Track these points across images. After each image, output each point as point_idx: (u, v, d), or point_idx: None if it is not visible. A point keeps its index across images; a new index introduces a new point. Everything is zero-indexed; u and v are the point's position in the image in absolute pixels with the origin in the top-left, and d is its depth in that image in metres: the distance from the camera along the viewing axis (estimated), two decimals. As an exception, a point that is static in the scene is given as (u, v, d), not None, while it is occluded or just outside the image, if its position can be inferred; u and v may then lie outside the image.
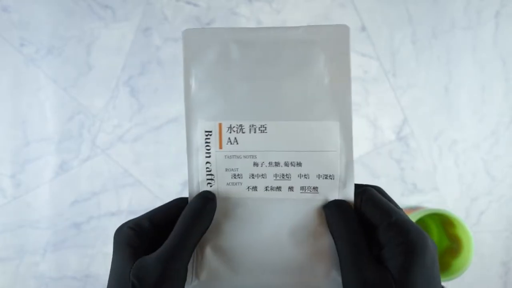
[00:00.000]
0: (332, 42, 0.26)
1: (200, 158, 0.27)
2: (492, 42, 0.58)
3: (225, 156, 0.27)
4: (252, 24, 0.59)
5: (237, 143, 0.27)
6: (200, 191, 0.26)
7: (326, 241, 0.26)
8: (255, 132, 0.27)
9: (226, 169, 0.27)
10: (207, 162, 0.27)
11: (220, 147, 0.27)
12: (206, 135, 0.27)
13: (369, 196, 0.24)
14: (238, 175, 0.27)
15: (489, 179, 0.57)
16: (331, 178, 0.26)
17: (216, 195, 0.26)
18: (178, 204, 0.26)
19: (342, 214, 0.24)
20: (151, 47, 0.60)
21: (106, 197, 0.59)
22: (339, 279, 0.25)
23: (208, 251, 0.26)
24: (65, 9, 0.61)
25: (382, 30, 0.58)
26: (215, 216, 0.26)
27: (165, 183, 0.59)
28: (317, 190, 0.26)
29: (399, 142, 0.58)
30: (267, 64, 0.26)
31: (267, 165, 0.27)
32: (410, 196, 0.58)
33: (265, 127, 0.26)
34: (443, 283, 0.56)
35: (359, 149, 0.58)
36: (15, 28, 0.61)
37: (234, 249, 0.26)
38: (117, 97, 0.60)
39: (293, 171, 0.26)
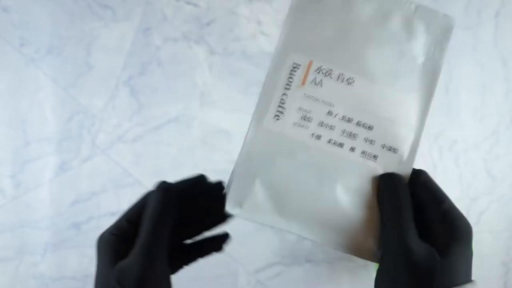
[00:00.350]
0: (437, 28, 0.27)
1: (278, 88, 0.27)
2: (492, 42, 0.58)
3: (304, 94, 0.26)
4: (253, 24, 0.59)
5: (321, 86, 0.26)
6: (158, 182, 0.26)
7: (370, 209, 0.26)
8: (342, 82, 0.26)
9: (299, 108, 0.26)
10: (284, 94, 0.26)
11: (303, 84, 0.26)
12: (293, 68, 0.27)
13: (426, 178, 0.25)
14: (308, 118, 0.27)
15: (489, 179, 0.57)
16: (394, 152, 0.26)
17: (280, 131, 0.26)
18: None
19: (398, 187, 0.25)
20: (151, 47, 0.60)
21: (106, 197, 0.59)
22: (373, 248, 0.26)
23: (257, 184, 0.27)
24: (65, 9, 0.61)
25: (382, 30, 0.59)
26: (271, 151, 0.26)
27: (165, 183, 0.59)
28: (376, 159, 0.26)
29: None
30: (374, 25, 0.27)
31: (340, 118, 0.26)
32: (410, 196, 0.58)
33: (353, 80, 0.26)
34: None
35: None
36: (15, 28, 0.61)
37: (283, 190, 0.27)
38: (117, 97, 0.60)
39: (361, 132, 0.26)
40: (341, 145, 0.26)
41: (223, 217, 0.29)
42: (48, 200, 0.59)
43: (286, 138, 0.26)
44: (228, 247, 0.61)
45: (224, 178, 0.62)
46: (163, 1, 0.60)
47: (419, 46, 0.27)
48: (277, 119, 0.27)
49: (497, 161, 0.57)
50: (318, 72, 0.26)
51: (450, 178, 0.57)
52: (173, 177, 0.63)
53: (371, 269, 0.57)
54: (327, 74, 0.26)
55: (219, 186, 0.28)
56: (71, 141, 0.60)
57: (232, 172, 0.27)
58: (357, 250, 0.26)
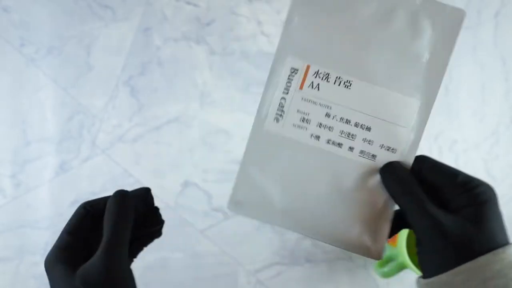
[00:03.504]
0: (445, 22, 0.26)
1: (277, 92, 0.28)
2: (492, 42, 0.58)
3: (302, 98, 0.27)
4: (253, 25, 0.59)
5: (318, 90, 0.27)
6: (115, 191, 0.27)
7: (367, 206, 0.27)
8: (339, 85, 0.27)
9: (298, 111, 0.27)
10: (282, 98, 0.28)
11: (301, 88, 0.27)
12: (291, 72, 0.27)
13: (431, 161, 0.26)
14: (307, 120, 0.28)
15: (489, 179, 0.57)
16: (392, 151, 0.27)
17: (280, 132, 0.28)
18: (83, 211, 0.28)
19: (401, 170, 0.26)
20: (151, 47, 0.60)
21: (106, 197, 0.59)
22: (368, 244, 0.27)
23: (258, 183, 0.29)
24: (65, 9, 0.61)
25: (382, 30, 0.59)
26: (272, 151, 0.28)
27: (165, 183, 0.59)
28: (374, 159, 0.27)
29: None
30: (374, 24, 0.26)
31: (338, 119, 0.27)
32: (410, 196, 0.58)
33: (350, 84, 0.27)
34: None
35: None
36: (15, 28, 0.61)
37: (283, 189, 0.28)
38: (117, 97, 0.60)
39: (359, 133, 0.27)
40: (340, 145, 0.27)
41: (160, 221, 0.32)
42: (48, 200, 0.59)
43: (286, 138, 0.28)
44: (228, 247, 0.61)
45: (224, 177, 0.62)
46: (163, 1, 0.60)
47: (424, 43, 0.26)
48: (277, 121, 0.28)
49: (497, 161, 0.57)
50: (316, 76, 0.27)
51: (450, 178, 0.57)
52: (173, 177, 0.63)
53: (371, 269, 0.57)
54: (324, 78, 0.27)
55: (151, 198, 0.31)
56: (71, 141, 0.60)
57: (238, 172, 0.29)
58: (353, 246, 0.27)
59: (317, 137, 0.28)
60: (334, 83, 0.27)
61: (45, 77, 0.60)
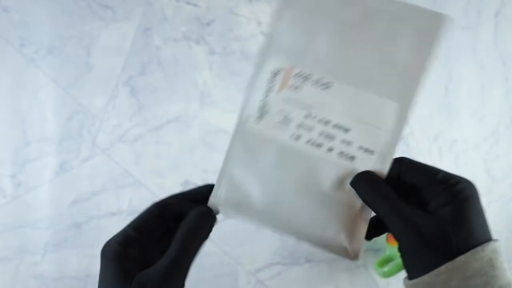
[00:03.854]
0: (424, 26, 0.26)
1: (258, 93, 0.28)
2: (492, 42, 0.58)
3: (283, 98, 0.28)
4: (252, 25, 0.59)
5: (299, 91, 0.28)
6: (199, 207, 0.26)
7: (344, 207, 0.27)
8: (319, 86, 0.27)
9: (278, 111, 0.28)
10: (265, 97, 0.28)
11: (283, 88, 0.28)
12: (274, 74, 0.28)
13: (409, 162, 0.26)
14: (287, 119, 0.28)
15: (489, 179, 0.57)
16: (370, 153, 0.27)
17: (261, 132, 0.28)
18: (157, 211, 0.26)
19: (374, 178, 0.25)
20: (151, 47, 0.60)
21: (106, 197, 0.59)
22: (344, 245, 0.27)
23: (236, 182, 0.28)
24: (65, 9, 0.61)
25: (382, 30, 0.59)
26: (252, 150, 0.28)
27: (165, 183, 0.59)
28: (353, 160, 0.27)
29: (399, 142, 0.58)
30: (355, 28, 0.27)
31: (318, 120, 0.28)
32: (410, 196, 0.58)
33: (331, 85, 0.27)
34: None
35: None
36: (15, 28, 0.61)
37: (262, 187, 0.28)
38: (117, 97, 0.60)
39: (339, 134, 0.27)
40: (319, 145, 0.28)
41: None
42: (48, 200, 0.59)
43: (267, 138, 0.28)
44: (228, 247, 0.61)
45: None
46: (163, 1, 0.60)
47: (403, 47, 0.26)
48: (258, 122, 0.28)
49: (496, 161, 0.57)
50: (298, 77, 0.28)
51: (450, 178, 0.57)
52: (173, 177, 0.63)
53: (371, 269, 0.57)
54: (306, 78, 0.27)
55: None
56: (71, 141, 0.60)
57: (220, 171, 0.29)
58: (330, 246, 0.27)
59: (297, 137, 0.28)
60: (316, 84, 0.27)
61: (45, 77, 0.60)
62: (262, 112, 0.28)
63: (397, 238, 0.24)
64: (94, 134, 0.60)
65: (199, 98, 0.59)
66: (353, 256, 0.27)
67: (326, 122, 0.28)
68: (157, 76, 0.60)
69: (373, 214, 0.26)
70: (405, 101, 0.27)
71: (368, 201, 0.25)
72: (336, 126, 0.28)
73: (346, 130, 0.27)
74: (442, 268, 0.21)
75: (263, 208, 0.28)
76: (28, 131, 0.60)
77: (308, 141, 0.28)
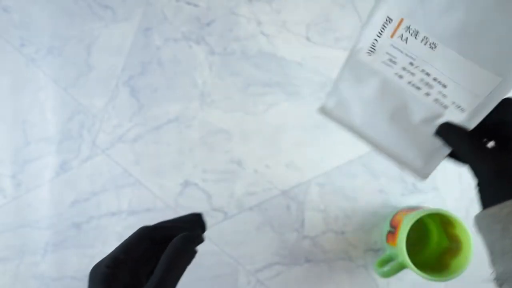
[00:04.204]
0: None
1: (371, 33, 0.32)
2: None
3: (391, 44, 0.31)
4: (252, 25, 0.60)
5: (406, 43, 0.31)
6: (185, 233, 0.28)
7: (427, 140, 0.32)
8: (425, 44, 0.30)
9: (387, 52, 0.32)
10: (375, 39, 0.32)
11: (392, 37, 0.31)
12: (386, 20, 0.31)
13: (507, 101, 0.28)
14: (393, 61, 0.32)
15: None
16: (461, 110, 0.30)
17: (370, 64, 0.32)
18: (145, 234, 0.27)
19: (455, 127, 0.30)
20: (151, 47, 0.60)
21: (106, 197, 0.59)
22: (418, 167, 0.33)
23: (345, 96, 0.35)
24: (65, 9, 0.61)
25: (382, 30, 0.59)
26: (360, 75, 0.33)
27: (165, 183, 0.59)
28: (445, 109, 0.31)
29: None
30: (491, 7, 0.28)
31: (420, 70, 0.31)
32: (410, 196, 0.58)
33: (435, 46, 0.30)
34: (442, 283, 0.56)
35: (359, 149, 0.58)
36: (15, 28, 0.61)
37: (364, 106, 0.34)
38: (117, 97, 0.60)
39: (436, 86, 0.31)
40: (418, 88, 0.32)
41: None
42: (48, 200, 0.59)
43: (374, 70, 0.33)
44: (228, 247, 0.61)
45: (224, 177, 0.62)
46: (163, 1, 0.60)
47: None
48: (369, 55, 0.33)
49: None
50: (406, 31, 0.30)
51: (450, 178, 0.58)
52: (173, 177, 0.63)
53: (371, 269, 0.57)
54: (413, 34, 0.30)
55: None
56: (72, 141, 0.60)
57: (332, 86, 0.35)
58: (406, 164, 0.34)
59: (401, 77, 0.32)
60: (421, 42, 0.30)
61: (45, 77, 0.60)
62: (373, 49, 0.32)
63: (474, 175, 0.27)
64: (94, 134, 0.60)
65: (199, 98, 0.59)
66: (422, 176, 0.33)
67: (427, 74, 0.31)
68: (157, 76, 0.60)
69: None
70: (508, 77, 0.28)
71: (452, 144, 0.30)
72: (435, 79, 0.31)
73: (444, 86, 0.31)
74: (508, 202, 0.24)
75: (360, 124, 0.35)
76: (28, 131, 0.60)
77: (409, 82, 0.32)
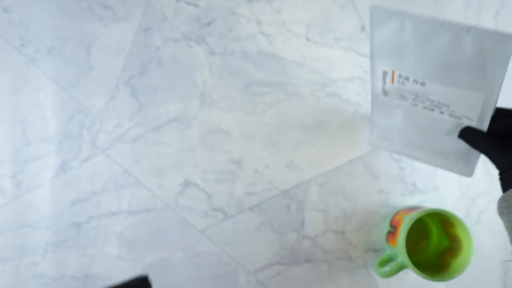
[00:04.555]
0: (497, 50, 0.32)
1: (378, 82, 0.41)
2: (491, 42, 0.58)
3: (395, 87, 0.40)
4: (252, 25, 0.60)
5: (404, 85, 0.39)
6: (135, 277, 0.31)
7: (459, 145, 0.40)
8: (416, 84, 0.38)
9: (396, 92, 0.41)
10: (382, 86, 0.41)
11: (392, 82, 0.40)
12: (383, 73, 0.40)
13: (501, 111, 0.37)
14: (404, 96, 0.41)
15: (489, 179, 0.57)
16: (470, 120, 0.38)
17: (389, 101, 0.43)
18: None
19: (474, 129, 0.38)
20: (151, 47, 0.60)
21: (106, 197, 0.59)
22: (462, 168, 0.44)
23: (382, 129, 0.47)
24: (65, 9, 0.61)
25: (382, 30, 0.59)
26: (386, 111, 0.44)
27: (165, 183, 0.59)
28: (460, 119, 0.39)
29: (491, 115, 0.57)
30: (446, 51, 0.34)
31: (425, 99, 0.39)
32: (410, 196, 0.58)
33: (424, 83, 0.38)
34: (442, 283, 0.56)
35: (358, 149, 0.58)
36: (15, 29, 0.61)
37: (398, 132, 0.46)
38: (117, 97, 0.60)
39: (443, 107, 0.39)
40: (432, 110, 0.40)
41: None
42: (48, 200, 0.60)
43: (394, 104, 0.42)
44: (228, 247, 0.61)
45: (224, 177, 0.62)
46: (163, 1, 0.60)
47: (485, 62, 0.33)
48: (385, 96, 0.42)
49: (496, 161, 0.57)
50: (400, 77, 0.39)
51: (450, 178, 0.58)
52: (173, 177, 0.63)
53: (371, 269, 0.57)
54: (405, 78, 0.39)
55: None
56: (72, 141, 0.60)
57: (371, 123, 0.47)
58: (452, 169, 0.44)
59: (415, 105, 0.40)
60: (413, 82, 0.38)
61: (45, 77, 0.60)
62: (385, 92, 0.42)
63: (495, 167, 0.36)
64: (94, 134, 0.60)
65: (199, 98, 0.60)
66: (468, 175, 0.44)
67: (432, 100, 0.39)
68: (157, 76, 0.60)
69: None
70: (490, 93, 0.35)
71: (472, 144, 0.38)
72: (439, 103, 0.38)
73: (448, 106, 0.38)
74: None
75: (403, 147, 0.46)
76: (28, 131, 0.60)
77: (423, 107, 0.40)
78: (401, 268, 0.49)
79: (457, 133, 0.39)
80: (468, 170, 0.43)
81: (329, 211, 0.58)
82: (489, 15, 0.58)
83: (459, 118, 0.38)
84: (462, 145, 0.39)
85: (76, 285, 0.59)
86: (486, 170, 0.57)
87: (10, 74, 0.61)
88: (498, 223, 0.58)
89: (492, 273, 0.56)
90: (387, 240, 0.53)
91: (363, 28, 0.59)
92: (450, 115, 0.39)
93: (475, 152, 0.40)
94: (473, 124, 0.38)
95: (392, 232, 0.52)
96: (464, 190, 0.57)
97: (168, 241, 0.58)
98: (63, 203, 0.60)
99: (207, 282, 0.58)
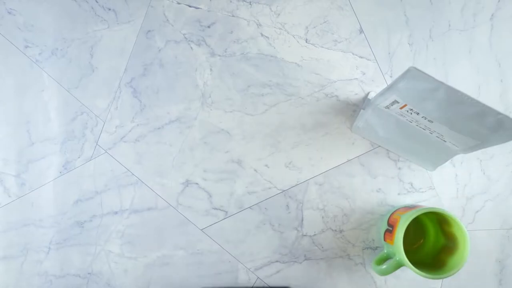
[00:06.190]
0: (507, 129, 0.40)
1: (385, 101, 0.47)
2: (487, 44, 0.59)
3: (401, 112, 0.47)
4: (252, 27, 0.60)
5: (411, 114, 0.46)
6: None
7: (442, 150, 0.51)
8: (425, 119, 0.45)
9: (396, 112, 0.48)
10: (388, 106, 0.48)
11: (400, 109, 0.46)
12: (394, 101, 0.46)
13: None
14: (404, 115, 0.48)
15: (485, 178, 0.58)
16: (456, 146, 0.47)
17: (388, 111, 0.49)
18: None
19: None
20: (153, 49, 0.61)
21: (108, 196, 0.60)
22: (437, 165, 0.56)
23: (370, 119, 0.53)
24: (69, 11, 0.61)
25: (379, 32, 0.59)
26: (381, 112, 0.51)
27: (167, 182, 0.60)
28: (446, 142, 0.48)
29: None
30: (460, 106, 0.41)
31: (422, 125, 0.47)
32: (407, 195, 0.58)
33: (432, 121, 0.45)
34: (439, 280, 0.57)
35: (356, 149, 0.59)
36: (20, 31, 0.62)
37: (394, 138, 0.54)
38: (119, 98, 0.61)
39: (435, 133, 0.47)
40: (424, 129, 0.48)
41: None
42: (52, 199, 0.60)
43: (391, 114, 0.49)
44: (228, 245, 0.62)
45: (225, 177, 0.63)
46: (165, 4, 0.61)
47: (498, 131, 0.40)
48: (387, 108, 0.48)
49: (492, 161, 0.58)
50: (409, 110, 0.45)
51: (447, 178, 0.58)
52: (174, 177, 0.64)
53: (369, 266, 0.58)
54: (414, 113, 0.45)
55: None
56: (75, 141, 0.61)
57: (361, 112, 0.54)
58: (420, 164, 0.57)
59: (411, 121, 0.48)
60: (422, 117, 0.45)
61: (49, 78, 0.61)
62: (388, 108, 0.48)
63: None
64: (97, 134, 0.61)
65: (200, 99, 0.60)
66: (431, 170, 0.57)
67: (429, 127, 0.46)
68: (158, 77, 0.61)
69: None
70: (484, 141, 0.43)
71: None
72: (435, 131, 0.46)
73: (442, 135, 0.47)
74: None
75: (382, 139, 0.55)
76: (32, 131, 0.61)
77: (417, 125, 0.48)
78: (398, 266, 0.50)
79: (437, 147, 0.49)
80: (432, 167, 0.56)
81: (327, 210, 0.58)
82: (485, 17, 0.59)
83: (445, 141, 0.48)
84: (434, 151, 0.51)
85: (79, 283, 0.60)
86: (482, 170, 0.58)
87: (15, 75, 0.61)
88: (493, 222, 0.59)
89: (488, 270, 0.57)
90: (385, 238, 0.54)
91: (361, 30, 0.59)
92: (438, 137, 0.48)
93: (444, 157, 0.52)
94: (459, 149, 0.48)
95: (389, 230, 0.52)
96: (460, 189, 0.58)
97: (170, 239, 0.59)
98: (66, 202, 0.60)
99: (208, 279, 0.58)
